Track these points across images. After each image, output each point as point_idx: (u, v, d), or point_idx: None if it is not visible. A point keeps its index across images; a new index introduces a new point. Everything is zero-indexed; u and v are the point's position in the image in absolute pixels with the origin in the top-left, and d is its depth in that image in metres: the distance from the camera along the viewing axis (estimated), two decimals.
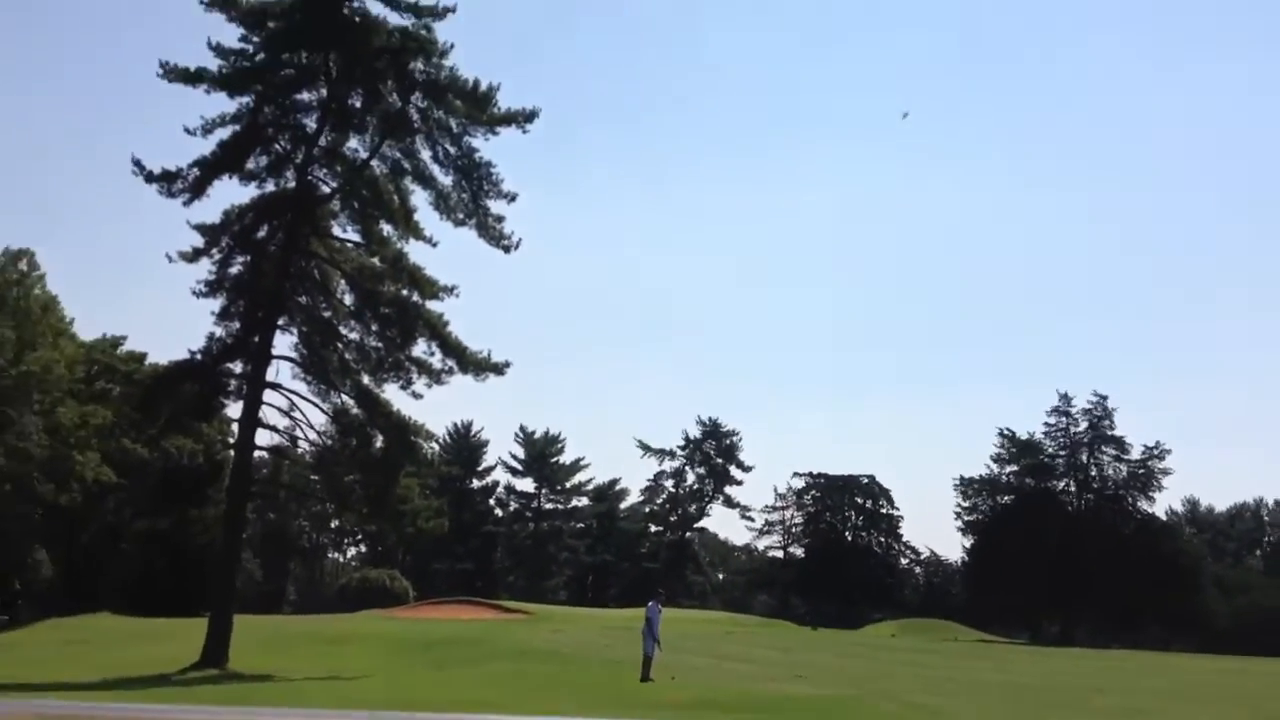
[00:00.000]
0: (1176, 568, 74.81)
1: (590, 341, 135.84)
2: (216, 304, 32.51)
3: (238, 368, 32.94)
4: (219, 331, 32.48)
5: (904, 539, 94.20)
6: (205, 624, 31.05)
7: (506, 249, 32.86)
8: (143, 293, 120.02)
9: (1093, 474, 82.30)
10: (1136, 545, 75.39)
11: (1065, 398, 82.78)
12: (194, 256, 32.14)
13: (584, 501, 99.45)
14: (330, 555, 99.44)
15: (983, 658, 41.61)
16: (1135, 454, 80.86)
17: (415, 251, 33.23)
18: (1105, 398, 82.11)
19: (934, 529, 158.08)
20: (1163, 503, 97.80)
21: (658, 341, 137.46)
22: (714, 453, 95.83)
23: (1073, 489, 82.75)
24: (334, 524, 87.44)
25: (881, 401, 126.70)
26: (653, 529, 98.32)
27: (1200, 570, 78.18)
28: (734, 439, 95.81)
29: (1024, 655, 45.56)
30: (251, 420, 31.99)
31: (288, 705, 20.53)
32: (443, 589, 75.14)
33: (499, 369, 32.84)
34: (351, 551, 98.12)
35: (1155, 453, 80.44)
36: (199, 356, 32.41)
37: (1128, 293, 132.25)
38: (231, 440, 39.29)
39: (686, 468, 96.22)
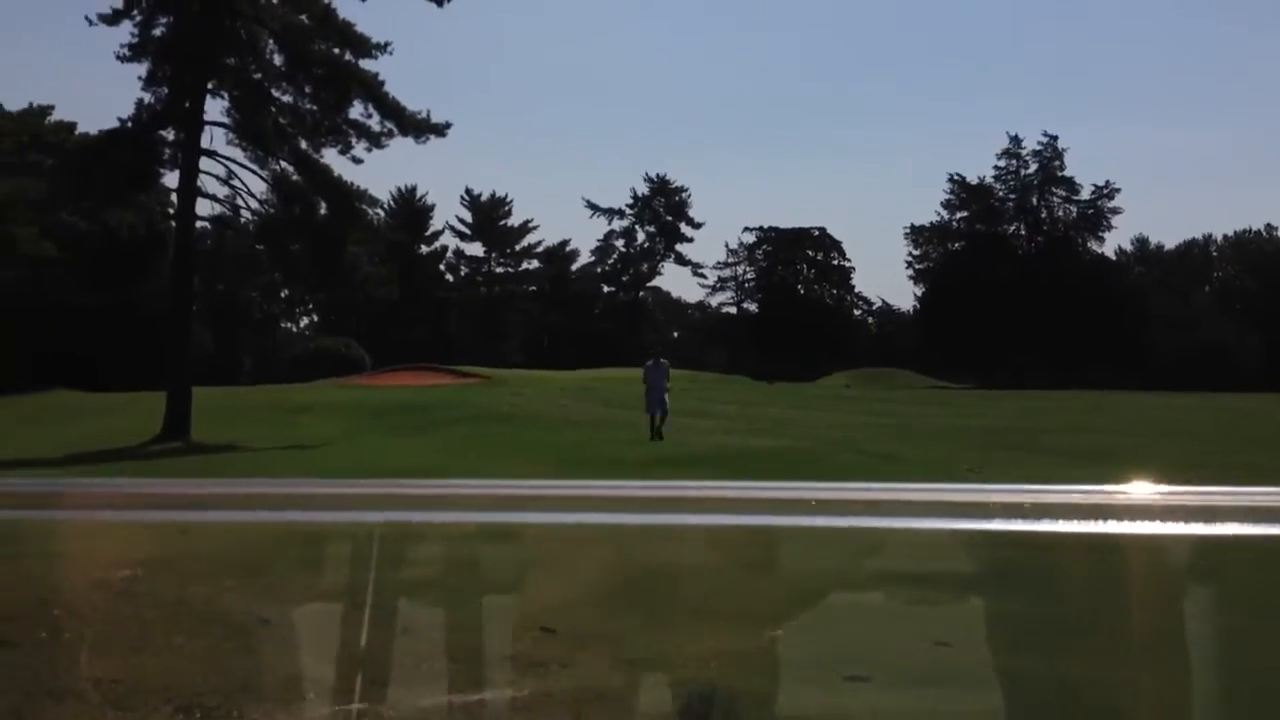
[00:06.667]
0: (1125, 306, 75.83)
1: (531, 98, 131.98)
2: (143, 69, 31.34)
3: (170, 135, 32.02)
4: (147, 98, 31.43)
5: (856, 290, 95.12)
6: (163, 398, 31.01)
7: (439, 1, 31.55)
8: (65, 58, 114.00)
9: (1043, 216, 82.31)
10: (1086, 286, 76.07)
11: (1015, 139, 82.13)
12: (114, 19, 30.61)
13: (535, 264, 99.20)
14: (283, 325, 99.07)
15: (935, 404, 42.60)
16: (1085, 194, 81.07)
17: (344, 7, 31.96)
18: (1055, 138, 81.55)
19: (885, 279, 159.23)
20: (1112, 242, 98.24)
21: (602, 95, 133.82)
22: (663, 210, 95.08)
23: (1023, 232, 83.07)
24: (284, 293, 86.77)
25: (831, 150, 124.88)
26: (605, 289, 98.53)
27: (1148, 308, 79.03)
28: (683, 195, 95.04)
29: (976, 400, 46.63)
30: (190, 189, 31.31)
31: (257, 475, 20.60)
32: (398, 356, 75.32)
33: (440, 130, 32.08)
34: (304, 321, 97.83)
35: (1105, 192, 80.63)
36: (129, 124, 31.43)
37: (1077, 28, 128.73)
38: (171, 211, 38.75)
39: (636, 226, 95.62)
